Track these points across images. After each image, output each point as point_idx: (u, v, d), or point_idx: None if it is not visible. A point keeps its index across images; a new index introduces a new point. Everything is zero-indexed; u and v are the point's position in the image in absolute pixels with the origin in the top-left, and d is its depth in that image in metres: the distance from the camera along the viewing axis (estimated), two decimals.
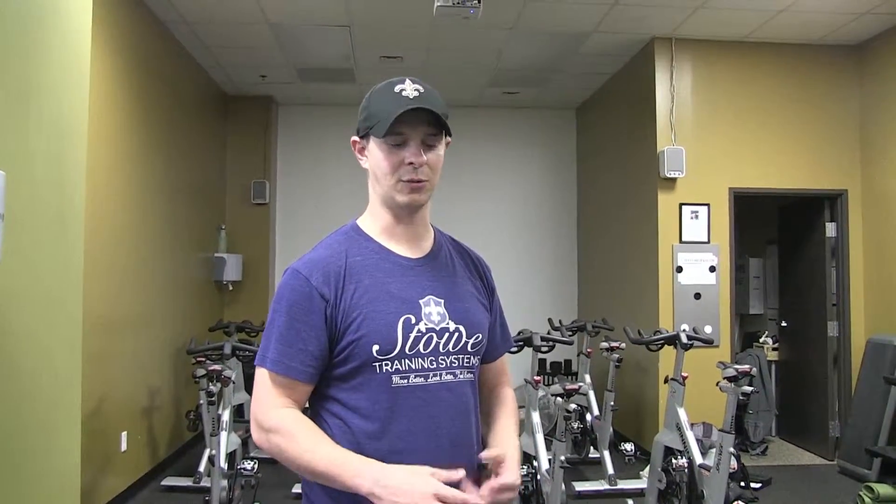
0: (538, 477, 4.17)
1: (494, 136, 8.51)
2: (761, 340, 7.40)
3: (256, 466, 4.38)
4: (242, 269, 7.60)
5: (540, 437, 4.23)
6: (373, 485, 1.37)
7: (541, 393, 5.08)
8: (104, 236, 4.72)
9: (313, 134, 8.35)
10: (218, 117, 7.68)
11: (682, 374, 4.49)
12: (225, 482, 4.05)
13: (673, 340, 4.61)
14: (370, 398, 1.49)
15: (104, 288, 4.72)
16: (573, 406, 4.01)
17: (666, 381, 4.66)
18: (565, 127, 8.62)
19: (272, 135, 8.15)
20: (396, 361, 1.49)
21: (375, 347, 1.47)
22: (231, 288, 7.57)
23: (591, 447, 5.91)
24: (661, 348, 4.77)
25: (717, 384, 4.04)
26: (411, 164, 1.52)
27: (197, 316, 6.73)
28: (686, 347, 4.59)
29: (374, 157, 1.57)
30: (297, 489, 5.27)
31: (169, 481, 5.49)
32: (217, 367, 4.33)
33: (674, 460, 4.34)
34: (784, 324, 7.23)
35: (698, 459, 4.22)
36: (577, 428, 5.92)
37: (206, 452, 4.97)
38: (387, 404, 1.48)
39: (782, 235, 7.38)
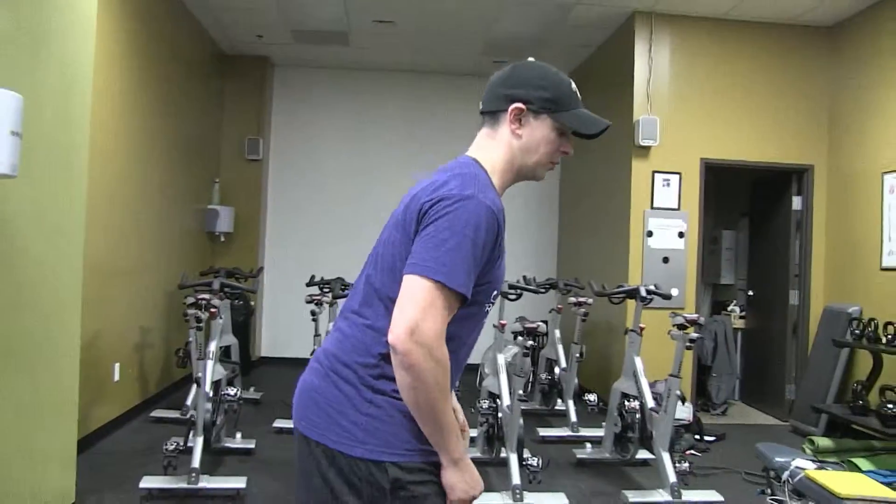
0: (499, 415, 4.50)
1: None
2: (729, 309, 7.73)
3: (239, 393, 4.71)
4: (234, 221, 7.90)
5: (503, 377, 4.54)
6: (460, 458, 1.58)
7: (513, 350, 5.35)
8: (103, 185, 4.98)
9: (307, 95, 8.62)
10: (215, 76, 7.93)
11: (640, 325, 4.81)
12: (209, 405, 4.36)
13: (633, 294, 4.92)
14: (466, 329, 1.64)
15: (101, 235, 4.99)
16: (530, 343, 4.33)
17: (626, 332, 4.97)
18: None
19: (267, 94, 8.41)
20: (489, 304, 1.70)
21: (494, 293, 1.67)
22: (223, 239, 7.87)
23: (559, 399, 6.24)
24: (622, 301, 5.07)
25: (668, 332, 4.36)
26: (565, 153, 1.74)
27: (189, 264, 7.02)
28: (645, 301, 4.90)
29: (541, 133, 1.69)
30: (277, 423, 5.59)
31: (158, 413, 5.82)
32: (206, 296, 4.62)
33: (626, 403, 4.67)
34: (751, 293, 7.56)
35: (649, 403, 4.56)
36: (546, 379, 6.27)
37: (194, 387, 5.27)
38: (470, 336, 1.69)
39: (754, 208, 7.70)
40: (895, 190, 5.75)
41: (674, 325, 4.31)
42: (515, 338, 4.46)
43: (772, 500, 3.69)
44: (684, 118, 6.46)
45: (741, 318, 7.63)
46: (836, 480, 3.20)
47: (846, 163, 6.39)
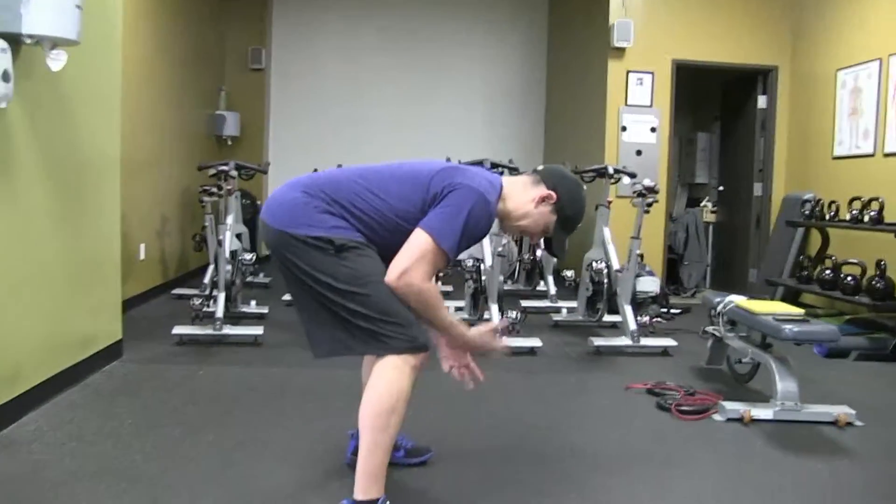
0: (482, 271, 5.15)
1: (474, 22, 9.33)
2: (702, 204, 8.34)
3: (254, 258, 5.34)
4: (240, 125, 8.47)
5: (486, 242, 5.17)
6: (475, 333, 2.42)
7: (502, 241, 5.95)
8: (125, 88, 5.51)
9: (306, 8, 9.11)
10: None
11: (609, 199, 5.42)
12: (229, 266, 4.99)
13: (602, 173, 5.51)
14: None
15: (124, 130, 5.53)
16: None
17: (596, 208, 5.57)
18: (539, 15, 9.43)
19: (268, 6, 8.91)
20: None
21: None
22: (230, 143, 8.45)
23: (541, 281, 6.87)
24: (592, 180, 5.65)
25: (631, 202, 4.98)
26: (534, 239, 2.52)
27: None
28: (613, 179, 5.49)
29: (543, 219, 2.39)
30: (286, 297, 6.23)
31: (179, 291, 6.48)
32: (225, 167, 5.20)
33: (594, 265, 5.31)
34: (720, 188, 8.17)
35: (615, 265, 5.20)
36: (528, 259, 6.91)
37: (210, 269, 5.84)
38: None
39: (724, 111, 8.25)
40: (847, 85, 6.29)
41: (633, 193, 4.92)
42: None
43: (709, 329, 4.34)
44: (657, 21, 6.96)
45: (713, 212, 8.25)
46: (755, 305, 3.85)
47: (806, 63, 6.91)
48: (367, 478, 2.17)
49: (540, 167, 2.49)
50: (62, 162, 3.55)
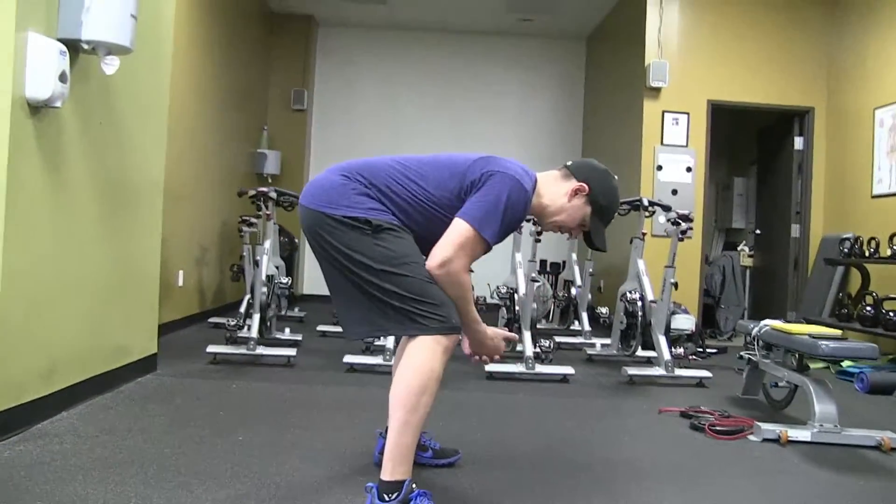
0: (516, 300, 5.15)
1: (511, 63, 9.47)
2: (739, 248, 8.27)
3: (290, 282, 5.40)
4: (281, 164, 8.65)
5: (521, 273, 5.18)
6: (492, 335, 2.47)
7: (537, 283, 5.95)
8: (171, 120, 5.70)
9: (347, 51, 9.42)
10: (264, 32, 8.69)
11: (643, 231, 5.41)
12: (265, 289, 5.05)
13: (637, 206, 5.51)
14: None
15: (169, 157, 5.69)
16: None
17: (631, 241, 5.56)
18: (576, 56, 9.55)
19: (312, 49, 9.21)
20: None
21: None
22: (270, 181, 8.59)
23: (576, 321, 6.83)
24: (627, 213, 5.65)
25: (661, 222, 4.97)
26: (571, 233, 2.50)
27: (241, 199, 7.76)
28: (648, 212, 5.49)
29: (578, 212, 2.41)
30: (320, 328, 6.27)
31: (214, 320, 6.56)
32: (265, 190, 5.32)
33: (628, 294, 5.27)
34: (757, 231, 8.10)
35: (650, 296, 5.16)
36: (563, 297, 6.88)
37: (246, 298, 5.91)
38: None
39: (761, 154, 8.22)
40: (885, 123, 6.26)
41: (668, 221, 4.91)
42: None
43: (744, 353, 4.27)
44: (692, 62, 7.03)
45: (749, 256, 8.16)
46: (791, 327, 3.79)
47: (843, 103, 6.90)
48: (395, 459, 2.15)
49: (569, 162, 2.52)
50: (111, 172, 3.66)
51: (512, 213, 2.24)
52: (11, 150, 2.75)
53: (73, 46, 3.04)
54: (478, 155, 2.37)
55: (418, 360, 2.17)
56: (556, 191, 2.43)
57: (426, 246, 2.28)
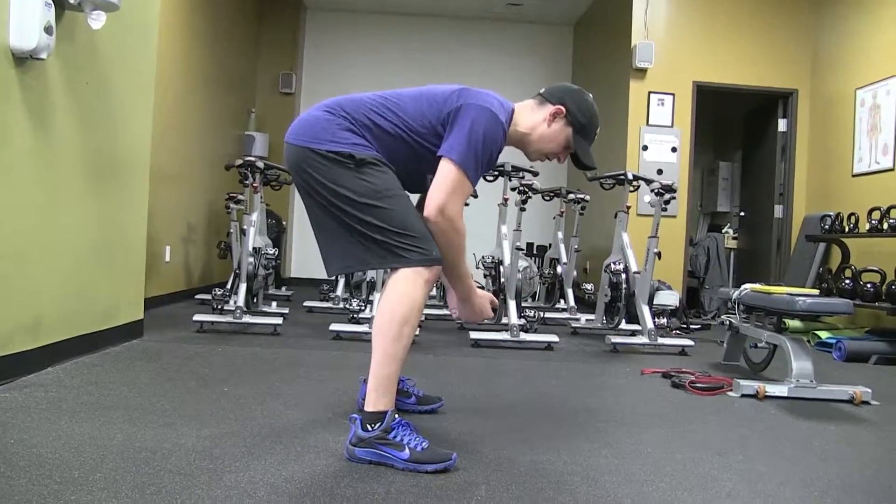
0: (501, 272, 5.19)
1: (499, 48, 9.51)
2: (723, 231, 8.34)
3: (277, 253, 5.42)
4: (268, 147, 8.65)
5: (506, 245, 5.22)
6: (480, 294, 2.54)
7: (524, 264, 6.01)
8: (157, 99, 5.72)
9: (335, 36, 9.40)
10: (252, 15, 8.69)
11: (627, 205, 5.46)
12: (251, 259, 5.08)
13: (621, 179, 5.56)
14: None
15: (155, 134, 5.71)
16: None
17: (616, 215, 5.61)
18: (564, 42, 9.61)
19: (300, 33, 9.23)
20: None
21: None
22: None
23: (561, 299, 6.88)
24: (612, 187, 5.70)
25: (647, 201, 5.02)
26: (557, 158, 2.50)
27: (228, 180, 7.77)
28: (633, 186, 5.54)
29: (563, 136, 2.42)
30: (307, 303, 6.30)
31: (201, 297, 6.57)
32: (252, 159, 5.34)
33: (612, 266, 5.32)
34: (742, 213, 8.18)
35: (633, 267, 5.21)
36: (549, 275, 6.93)
37: (233, 274, 5.95)
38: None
39: (746, 138, 8.30)
40: (865, 103, 6.34)
41: (651, 192, 4.96)
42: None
43: (724, 317, 4.33)
44: (678, 44, 7.10)
45: (734, 238, 8.24)
46: (770, 288, 3.86)
47: (826, 83, 6.99)
48: (378, 390, 2.19)
49: (542, 89, 2.53)
50: (98, 135, 3.67)
51: (488, 145, 2.26)
52: None
53: (58, 2, 3.06)
54: (456, 86, 2.42)
55: (399, 290, 2.21)
56: (534, 118, 2.45)
57: (409, 181, 2.32)
